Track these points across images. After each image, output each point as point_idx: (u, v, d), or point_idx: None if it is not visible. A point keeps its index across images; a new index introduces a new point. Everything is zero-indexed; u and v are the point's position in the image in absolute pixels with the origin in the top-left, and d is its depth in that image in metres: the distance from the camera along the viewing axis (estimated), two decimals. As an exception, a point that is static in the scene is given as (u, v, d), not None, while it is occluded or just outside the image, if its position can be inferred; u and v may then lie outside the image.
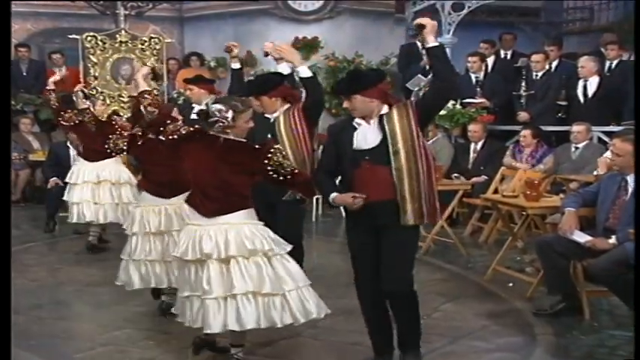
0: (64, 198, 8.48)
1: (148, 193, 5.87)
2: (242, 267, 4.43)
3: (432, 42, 4.45)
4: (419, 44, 12.23)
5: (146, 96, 5.20)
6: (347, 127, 4.54)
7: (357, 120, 4.50)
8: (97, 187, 8.32)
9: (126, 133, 5.91)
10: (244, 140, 4.60)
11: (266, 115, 5.59)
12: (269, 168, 4.42)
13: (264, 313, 4.44)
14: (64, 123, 8.55)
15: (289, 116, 5.56)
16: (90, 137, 8.29)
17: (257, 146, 4.51)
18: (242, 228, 4.50)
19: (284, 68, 6.05)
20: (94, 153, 8.00)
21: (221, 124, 4.49)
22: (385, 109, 4.46)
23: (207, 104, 4.63)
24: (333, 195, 4.49)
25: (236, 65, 6.51)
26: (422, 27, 4.45)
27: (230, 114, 4.51)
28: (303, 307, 4.50)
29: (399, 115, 4.40)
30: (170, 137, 4.73)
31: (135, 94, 5.52)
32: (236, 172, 4.50)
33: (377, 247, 4.51)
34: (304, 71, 5.49)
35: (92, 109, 8.58)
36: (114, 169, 8.40)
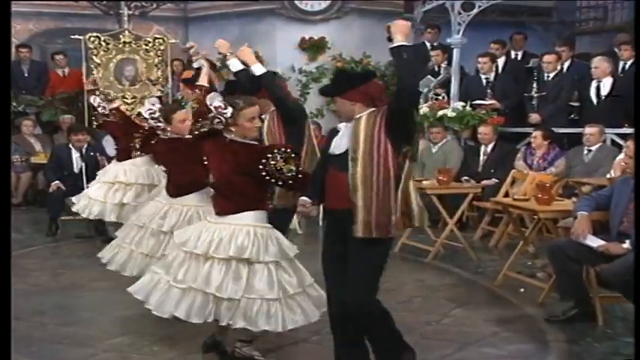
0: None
1: (167, 193, 5.94)
2: (226, 269, 4.52)
3: (396, 41, 4.13)
4: (428, 44, 12.29)
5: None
6: (333, 131, 4.49)
7: (339, 124, 4.45)
8: (110, 187, 8.38)
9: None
10: (248, 141, 4.61)
11: (262, 117, 5.61)
12: (263, 173, 4.45)
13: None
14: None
15: (272, 118, 5.64)
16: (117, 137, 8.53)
17: (261, 148, 4.52)
18: (249, 230, 4.55)
19: (234, 65, 6.08)
20: (120, 152, 8.36)
21: (218, 120, 4.51)
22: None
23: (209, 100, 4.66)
24: (301, 198, 4.48)
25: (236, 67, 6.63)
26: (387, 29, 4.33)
27: (229, 111, 4.52)
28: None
29: (366, 121, 4.21)
30: (191, 136, 4.82)
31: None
32: (238, 173, 4.52)
33: (339, 261, 4.37)
34: (257, 69, 5.57)
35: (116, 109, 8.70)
36: (129, 169, 8.38)
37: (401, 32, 4.10)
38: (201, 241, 4.57)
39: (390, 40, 4.17)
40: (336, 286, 4.39)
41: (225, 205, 4.61)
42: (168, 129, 6.06)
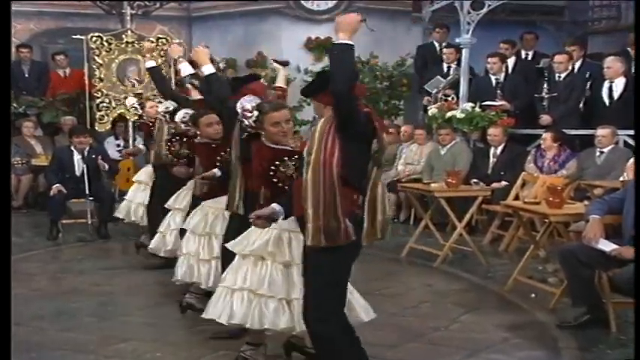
0: None
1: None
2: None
3: (338, 40, 3.84)
4: (436, 44, 12.29)
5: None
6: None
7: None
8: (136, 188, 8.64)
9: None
10: (274, 145, 4.64)
11: None
12: (275, 179, 4.55)
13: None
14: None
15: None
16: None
17: (278, 151, 4.58)
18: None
19: (184, 69, 6.16)
20: None
21: (244, 121, 4.57)
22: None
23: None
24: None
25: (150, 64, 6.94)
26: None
27: (253, 115, 4.55)
28: None
29: (323, 124, 4.01)
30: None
31: None
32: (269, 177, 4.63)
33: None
34: (206, 69, 5.61)
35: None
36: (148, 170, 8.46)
37: (342, 30, 3.82)
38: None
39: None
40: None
41: None
42: (198, 133, 6.16)
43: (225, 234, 5.43)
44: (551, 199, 6.64)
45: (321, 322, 3.96)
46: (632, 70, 10.02)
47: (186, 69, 6.16)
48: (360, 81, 13.26)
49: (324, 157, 3.89)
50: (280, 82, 7.16)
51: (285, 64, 7.32)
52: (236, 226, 5.18)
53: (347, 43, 3.77)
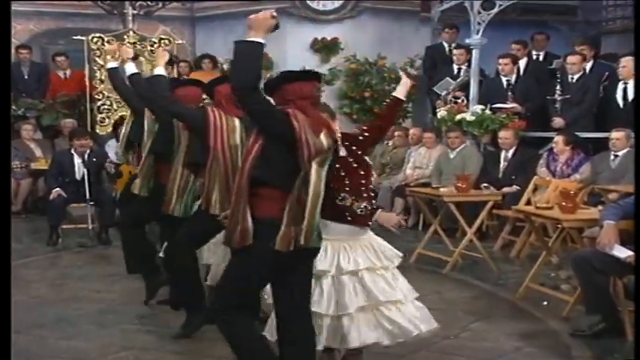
0: None
1: None
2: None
3: (247, 36, 3.85)
4: (446, 45, 12.28)
5: None
6: None
7: None
8: None
9: None
10: None
11: None
12: None
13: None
14: None
15: None
16: None
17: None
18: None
19: (129, 69, 6.30)
20: None
21: None
22: None
23: None
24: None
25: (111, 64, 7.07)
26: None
27: None
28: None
29: None
30: None
31: None
32: None
33: None
34: (129, 68, 5.87)
35: None
36: None
37: (254, 28, 3.82)
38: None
39: None
40: None
41: None
42: None
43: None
44: (564, 203, 6.63)
45: (219, 313, 4.03)
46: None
47: (130, 69, 6.26)
48: (367, 82, 13.36)
49: (244, 157, 3.95)
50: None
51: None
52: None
53: (255, 41, 3.77)
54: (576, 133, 9.52)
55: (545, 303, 6.73)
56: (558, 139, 9.24)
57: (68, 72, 12.93)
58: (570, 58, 10.22)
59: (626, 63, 9.51)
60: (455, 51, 11.77)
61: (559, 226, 6.97)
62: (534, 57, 11.77)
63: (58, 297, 7.14)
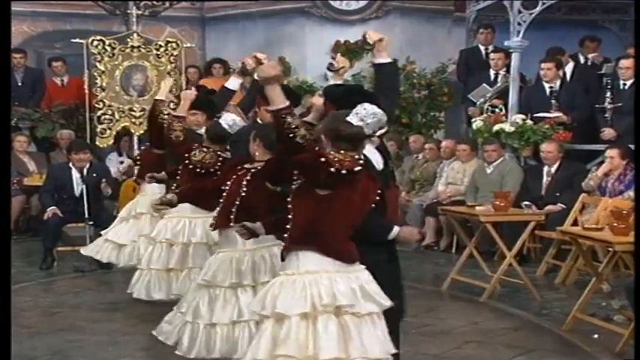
0: None
1: None
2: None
3: (385, 58, 5.07)
4: (482, 48, 12.23)
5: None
6: None
7: None
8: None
9: None
10: None
11: None
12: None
13: None
14: None
15: None
16: None
17: None
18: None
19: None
20: None
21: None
22: None
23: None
24: (397, 229, 4.67)
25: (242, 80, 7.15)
26: (379, 41, 5.07)
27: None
28: None
29: None
30: None
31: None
32: None
33: None
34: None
35: None
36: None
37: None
38: None
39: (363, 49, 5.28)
40: None
41: None
42: None
43: None
44: (615, 224, 6.57)
45: None
46: None
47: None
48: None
49: None
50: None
51: None
52: None
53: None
54: (630, 146, 9.42)
55: (595, 336, 6.67)
56: (613, 152, 9.13)
57: (66, 78, 13.00)
58: (623, 62, 10.16)
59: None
60: (492, 54, 11.73)
61: (610, 249, 6.90)
62: (582, 61, 11.71)
63: (52, 327, 7.13)
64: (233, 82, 7.22)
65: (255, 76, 6.92)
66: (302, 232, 4.27)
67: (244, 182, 5.43)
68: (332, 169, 4.13)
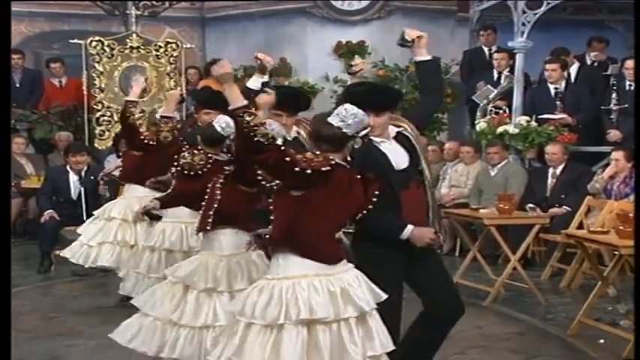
0: None
1: None
2: None
3: (425, 55, 5.13)
4: (485, 49, 12.22)
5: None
6: (370, 148, 4.72)
7: (377, 139, 4.78)
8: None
9: None
10: None
11: None
12: None
13: None
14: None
15: None
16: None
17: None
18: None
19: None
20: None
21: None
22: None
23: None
24: (410, 228, 4.66)
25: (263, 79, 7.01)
26: (419, 38, 5.13)
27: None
28: None
29: (410, 130, 4.91)
30: None
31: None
32: None
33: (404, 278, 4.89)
34: None
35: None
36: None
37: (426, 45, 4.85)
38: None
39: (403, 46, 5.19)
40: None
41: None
42: None
43: None
44: (621, 227, 6.57)
45: None
46: None
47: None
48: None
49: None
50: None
51: None
52: None
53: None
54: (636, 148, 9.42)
55: (601, 341, 6.67)
56: (618, 155, 9.10)
57: (64, 80, 13.00)
58: (629, 63, 10.15)
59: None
60: (496, 55, 11.71)
61: (616, 252, 6.89)
62: (588, 62, 11.69)
63: (50, 331, 7.13)
64: (254, 82, 7.20)
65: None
66: (281, 233, 4.25)
67: (218, 185, 5.42)
68: (296, 169, 4.11)
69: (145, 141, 7.87)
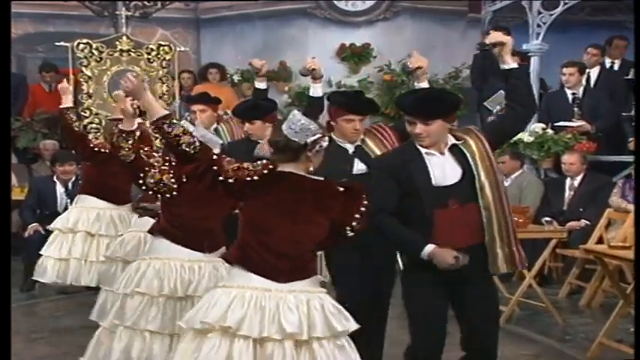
0: None
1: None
2: None
3: (512, 62, 5.03)
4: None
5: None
6: (414, 159, 4.70)
7: (427, 150, 4.73)
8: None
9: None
10: None
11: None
12: None
13: None
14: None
15: None
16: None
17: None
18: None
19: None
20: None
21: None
22: (451, 137, 4.82)
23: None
24: (431, 248, 4.58)
25: (261, 85, 7.01)
26: (500, 44, 5.08)
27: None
28: None
29: (475, 144, 4.78)
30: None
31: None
32: None
33: (447, 303, 4.86)
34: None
35: None
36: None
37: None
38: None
39: (483, 52, 5.34)
40: (440, 333, 4.87)
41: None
42: None
43: None
44: (644, 242, 6.53)
45: None
46: None
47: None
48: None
49: (501, 183, 4.84)
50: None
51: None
52: None
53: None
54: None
55: (622, 363, 6.64)
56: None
57: (54, 84, 12.96)
58: (651, 65, 10.15)
59: None
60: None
61: (639, 269, 6.86)
62: (608, 65, 11.68)
63: (33, 354, 7.13)
64: (261, 83, 7.30)
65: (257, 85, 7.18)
66: (236, 244, 4.35)
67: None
68: (220, 178, 4.19)
69: (96, 149, 7.82)
